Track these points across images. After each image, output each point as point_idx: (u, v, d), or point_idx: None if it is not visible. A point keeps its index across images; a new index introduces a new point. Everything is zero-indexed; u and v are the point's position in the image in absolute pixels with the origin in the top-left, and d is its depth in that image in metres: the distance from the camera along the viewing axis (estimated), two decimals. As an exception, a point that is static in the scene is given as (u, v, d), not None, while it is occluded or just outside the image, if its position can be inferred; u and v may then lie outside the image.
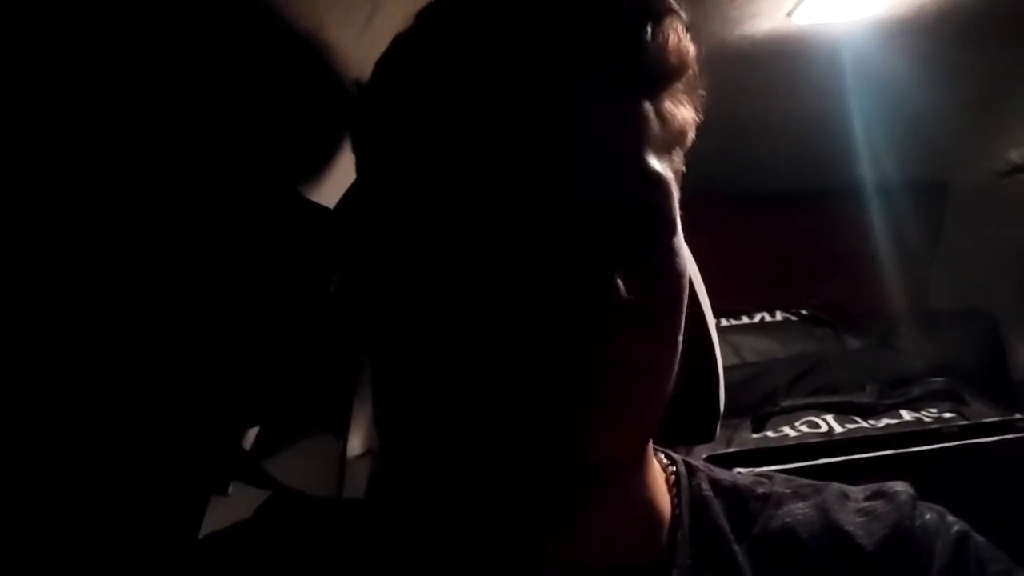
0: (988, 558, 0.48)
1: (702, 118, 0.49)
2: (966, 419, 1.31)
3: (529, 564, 0.46)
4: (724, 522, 0.49)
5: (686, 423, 0.61)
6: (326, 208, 0.67)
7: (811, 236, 1.77)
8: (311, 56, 0.65)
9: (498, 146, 0.42)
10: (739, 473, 0.55)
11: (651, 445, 0.51)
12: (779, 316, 1.67)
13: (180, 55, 0.57)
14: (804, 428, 1.33)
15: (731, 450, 1.27)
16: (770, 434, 1.33)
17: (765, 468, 1.14)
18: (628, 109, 0.44)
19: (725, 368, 0.66)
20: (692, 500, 0.51)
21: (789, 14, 1.19)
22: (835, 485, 0.53)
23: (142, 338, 0.59)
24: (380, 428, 0.56)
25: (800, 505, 0.51)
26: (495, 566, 0.46)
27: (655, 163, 0.44)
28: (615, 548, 0.47)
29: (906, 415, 1.34)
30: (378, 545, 0.49)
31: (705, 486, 0.52)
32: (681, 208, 0.47)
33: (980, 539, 0.49)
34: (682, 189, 0.48)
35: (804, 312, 1.68)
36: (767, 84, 1.38)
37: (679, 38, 0.45)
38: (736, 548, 0.48)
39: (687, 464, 0.53)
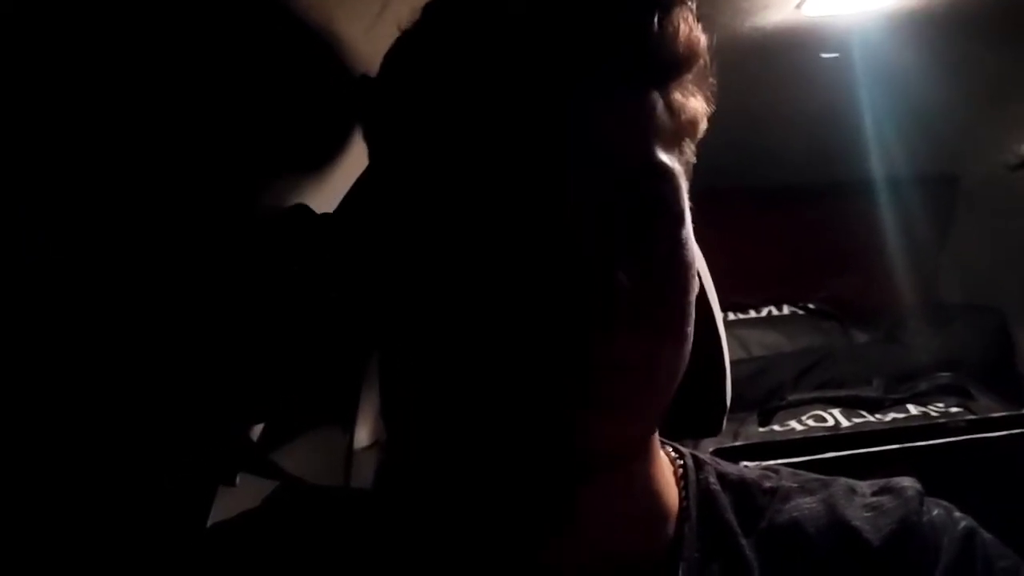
0: (995, 554, 0.48)
1: (714, 108, 0.48)
2: (973, 414, 1.31)
3: (534, 556, 0.46)
4: (731, 516, 0.49)
5: (693, 416, 0.61)
6: (326, 213, 0.67)
7: (819, 230, 1.77)
8: (321, 49, 0.65)
9: (499, 146, 0.42)
10: (746, 467, 0.55)
11: (658, 438, 0.51)
12: (786, 310, 1.67)
13: (186, 49, 0.57)
14: (810, 422, 1.33)
15: (737, 443, 1.27)
16: (776, 428, 1.33)
17: (771, 462, 1.15)
18: (635, 102, 0.44)
19: (732, 362, 0.66)
20: (700, 493, 0.51)
21: (798, 6, 1.18)
22: (842, 480, 0.53)
23: (144, 335, 0.59)
24: (387, 421, 0.56)
25: (807, 500, 0.50)
26: (500, 558, 0.46)
27: (662, 155, 0.44)
28: (622, 540, 0.47)
29: (913, 410, 1.34)
30: (384, 536, 0.49)
31: (712, 480, 0.52)
32: (690, 200, 0.47)
33: (987, 535, 0.49)
34: (691, 181, 0.48)
35: (811, 306, 1.68)
36: (776, 77, 1.37)
37: (689, 28, 0.45)
38: (743, 542, 0.48)
39: (695, 458, 0.53)
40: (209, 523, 0.65)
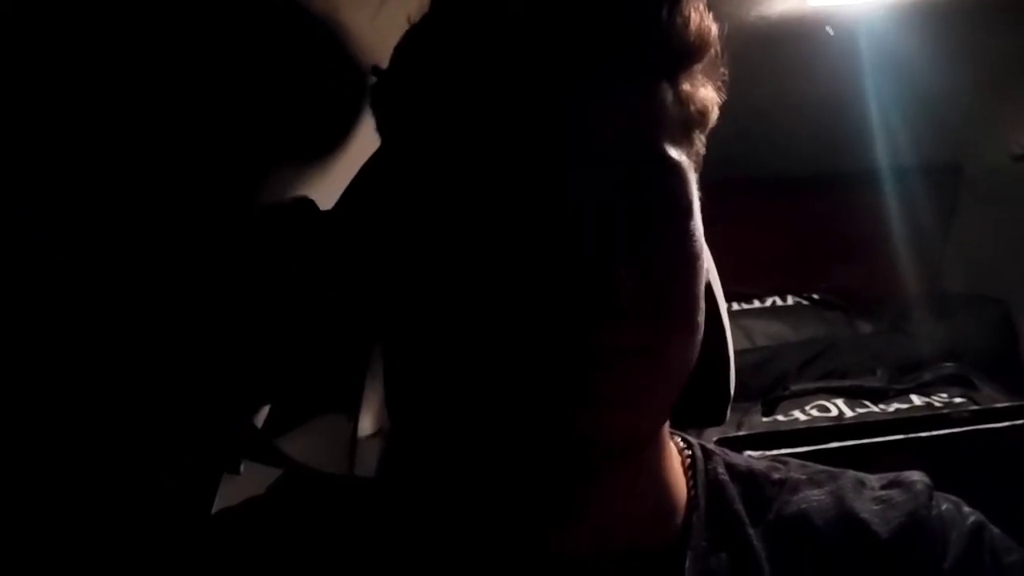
0: (1003, 549, 0.48)
1: (724, 98, 0.48)
2: (977, 404, 1.31)
3: (542, 545, 0.46)
4: (740, 506, 0.49)
5: (697, 406, 0.61)
6: (327, 211, 0.67)
7: (823, 220, 1.77)
8: (325, 38, 0.65)
9: (501, 145, 0.42)
10: (755, 458, 0.55)
11: (667, 429, 0.51)
12: (790, 300, 1.67)
13: (188, 40, 0.57)
14: (814, 412, 1.33)
15: (741, 433, 1.27)
16: (780, 418, 1.33)
17: (775, 452, 1.15)
18: (643, 94, 0.44)
19: (736, 352, 0.66)
20: (708, 484, 0.51)
21: (805, -6, 1.18)
22: (851, 473, 0.53)
23: (145, 332, 0.59)
24: (391, 413, 0.57)
25: (816, 492, 0.51)
26: (508, 547, 0.47)
27: (670, 148, 0.44)
28: (630, 529, 0.47)
29: (917, 400, 1.34)
30: (389, 524, 0.50)
31: (721, 470, 0.52)
32: (699, 191, 0.47)
33: (995, 530, 0.49)
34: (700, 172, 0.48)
35: (815, 296, 1.68)
36: (782, 66, 1.37)
37: (700, 17, 0.44)
38: (751, 532, 0.48)
39: (703, 448, 0.54)
40: (214, 511, 0.65)
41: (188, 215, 0.61)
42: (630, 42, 0.43)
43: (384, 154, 0.51)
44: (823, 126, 1.53)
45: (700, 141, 0.48)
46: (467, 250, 0.42)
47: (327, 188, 0.70)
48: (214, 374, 0.64)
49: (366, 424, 0.95)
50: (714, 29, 0.45)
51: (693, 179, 0.46)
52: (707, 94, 0.47)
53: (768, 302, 1.67)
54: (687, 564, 0.46)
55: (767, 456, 0.57)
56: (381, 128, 0.51)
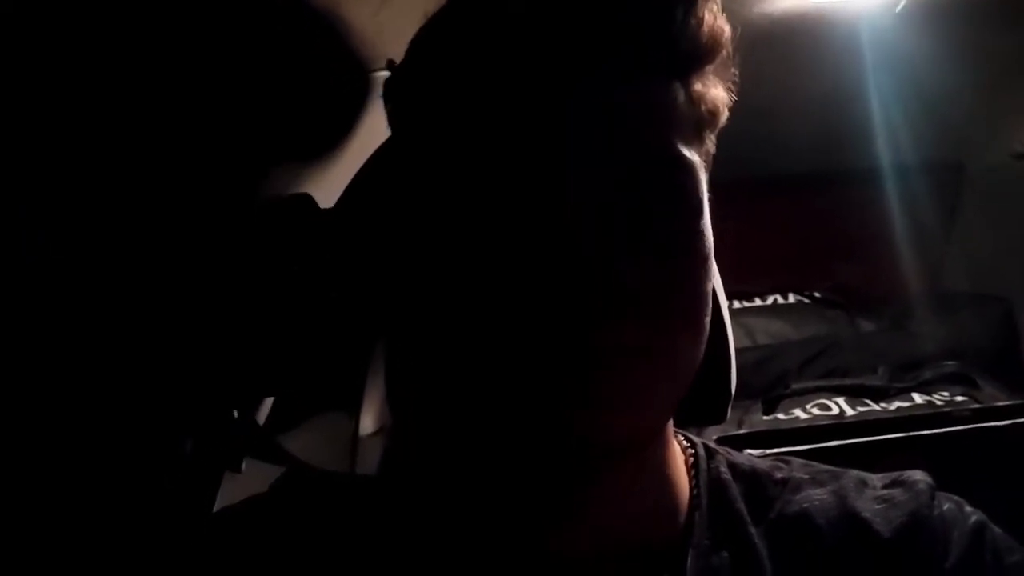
0: (1005, 548, 0.48)
1: (735, 99, 0.48)
2: (978, 403, 1.31)
3: (543, 544, 0.46)
4: (742, 505, 0.49)
5: (698, 404, 0.61)
6: (327, 208, 0.67)
7: (825, 218, 1.76)
8: (327, 32, 0.65)
9: (502, 144, 0.42)
10: (757, 457, 0.55)
11: (671, 427, 0.51)
12: (792, 299, 1.67)
13: (189, 35, 0.57)
14: (815, 410, 1.33)
15: (742, 432, 1.27)
16: (781, 416, 1.33)
17: (776, 450, 1.15)
18: (647, 91, 0.44)
19: (737, 350, 0.65)
20: (710, 482, 0.51)
21: (807, -8, 1.18)
22: (853, 472, 0.53)
23: (145, 332, 0.59)
24: (393, 410, 0.57)
25: (818, 491, 0.50)
26: (508, 546, 0.47)
27: (682, 146, 0.44)
28: (632, 528, 0.47)
29: (918, 398, 1.34)
30: (390, 524, 0.50)
31: (724, 469, 0.52)
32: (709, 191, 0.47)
33: (997, 530, 0.49)
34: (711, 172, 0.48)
35: (817, 295, 1.68)
36: (784, 63, 1.36)
37: (714, 17, 0.44)
38: (753, 531, 0.48)
39: (706, 447, 0.54)
40: (216, 509, 0.65)
41: (188, 214, 0.61)
42: (630, 42, 0.43)
43: (392, 147, 0.51)
44: (825, 124, 1.53)
45: (711, 141, 0.48)
46: (468, 249, 0.42)
47: (327, 185, 0.70)
48: (215, 373, 0.64)
49: (367, 423, 0.95)
50: (727, 30, 0.45)
51: (703, 179, 0.46)
52: (718, 94, 0.47)
53: (769, 300, 1.67)
54: (689, 562, 0.46)
55: (768, 455, 0.57)
56: (392, 121, 0.51)
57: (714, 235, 0.47)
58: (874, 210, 1.63)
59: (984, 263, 1.71)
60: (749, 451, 0.59)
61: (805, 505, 0.50)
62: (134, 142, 0.57)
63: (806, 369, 1.48)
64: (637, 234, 0.42)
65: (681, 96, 0.44)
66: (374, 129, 0.51)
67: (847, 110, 1.45)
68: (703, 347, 0.45)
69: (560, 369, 0.40)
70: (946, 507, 0.49)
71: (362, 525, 0.50)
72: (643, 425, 0.44)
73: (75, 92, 0.52)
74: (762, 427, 1.30)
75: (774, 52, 1.30)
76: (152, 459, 0.62)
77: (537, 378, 0.40)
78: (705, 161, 0.47)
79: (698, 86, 0.45)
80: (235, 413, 0.68)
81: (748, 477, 0.52)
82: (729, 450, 0.54)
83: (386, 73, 0.60)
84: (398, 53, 0.49)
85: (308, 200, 0.65)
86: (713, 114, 0.47)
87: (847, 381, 1.41)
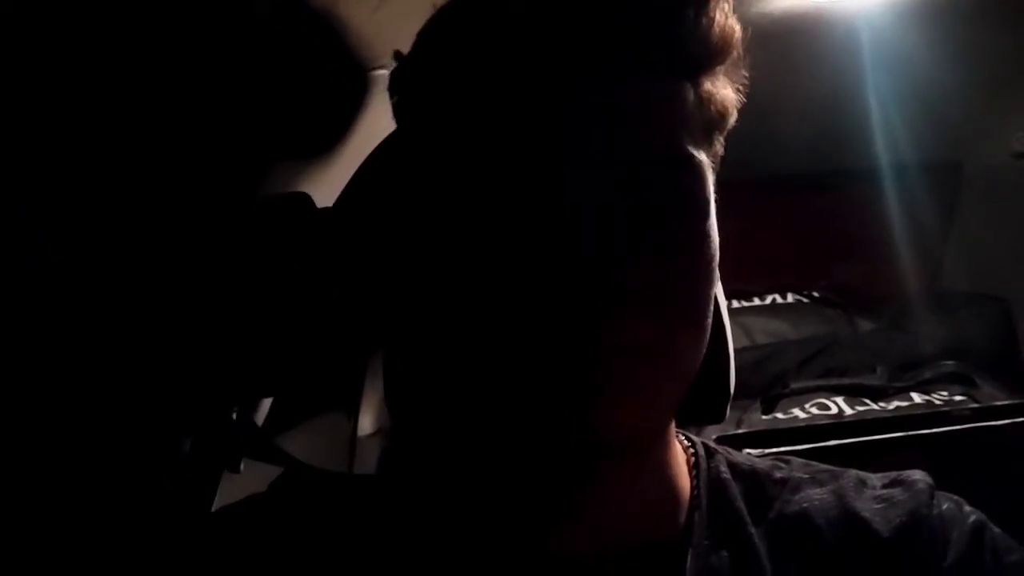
0: (1004, 548, 0.48)
1: (744, 100, 0.48)
2: (977, 402, 1.31)
3: (543, 543, 0.46)
4: (741, 505, 0.49)
5: (696, 404, 0.61)
6: (326, 208, 0.67)
7: (823, 217, 1.76)
8: (325, 31, 0.65)
9: (504, 144, 0.42)
10: (757, 457, 0.55)
11: (672, 427, 0.51)
12: (791, 298, 1.67)
13: (188, 34, 0.57)
14: (814, 410, 1.33)
15: (741, 431, 1.27)
16: (780, 416, 1.33)
17: (775, 449, 1.15)
18: (657, 92, 0.43)
19: (736, 350, 0.65)
20: (710, 482, 0.51)
21: (807, -9, 1.18)
22: (853, 472, 0.53)
23: (144, 331, 0.59)
24: (392, 410, 0.57)
25: (817, 491, 0.51)
26: (509, 545, 0.47)
27: (691, 146, 0.44)
28: (632, 527, 0.47)
29: (917, 398, 1.34)
30: (389, 523, 0.50)
31: (723, 469, 0.52)
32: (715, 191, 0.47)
33: (996, 530, 0.49)
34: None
35: (816, 294, 1.68)
36: (783, 62, 1.36)
37: (725, 17, 0.44)
38: (752, 531, 0.48)
39: (706, 447, 0.54)
40: (215, 508, 0.65)
41: (187, 214, 0.61)
42: (630, 41, 0.42)
43: (393, 144, 0.51)
44: (824, 123, 1.53)
45: (719, 142, 0.48)
46: (469, 249, 0.42)
47: (326, 184, 0.70)
48: (215, 373, 0.64)
49: (366, 423, 0.95)
50: (738, 30, 0.45)
51: (711, 180, 0.46)
52: (728, 95, 0.47)
53: (768, 300, 1.67)
54: (688, 562, 0.46)
55: (767, 454, 0.57)
56: (396, 113, 0.50)
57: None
58: (873, 210, 1.63)
59: (983, 263, 1.71)
60: (748, 451, 0.59)
61: (805, 505, 0.50)
62: (133, 142, 0.56)
63: (805, 368, 1.48)
64: (637, 234, 0.42)
65: (691, 96, 0.44)
66: (372, 128, 0.51)
67: (846, 110, 1.45)
68: (704, 347, 0.45)
69: (560, 369, 0.40)
70: (945, 507, 0.49)
71: (361, 525, 0.50)
72: (644, 425, 0.44)
73: (75, 92, 0.52)
74: (761, 426, 1.29)
75: (773, 51, 1.29)
76: (152, 459, 0.62)
77: (537, 378, 0.40)
78: (713, 163, 0.47)
79: (708, 86, 0.45)
80: (234, 413, 0.68)
81: (748, 477, 0.52)
82: (729, 450, 0.54)
83: (384, 72, 0.60)
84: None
85: (305, 198, 0.65)
86: (722, 115, 0.47)
87: (846, 380, 1.41)
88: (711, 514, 0.49)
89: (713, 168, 0.47)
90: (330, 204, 0.68)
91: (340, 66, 0.68)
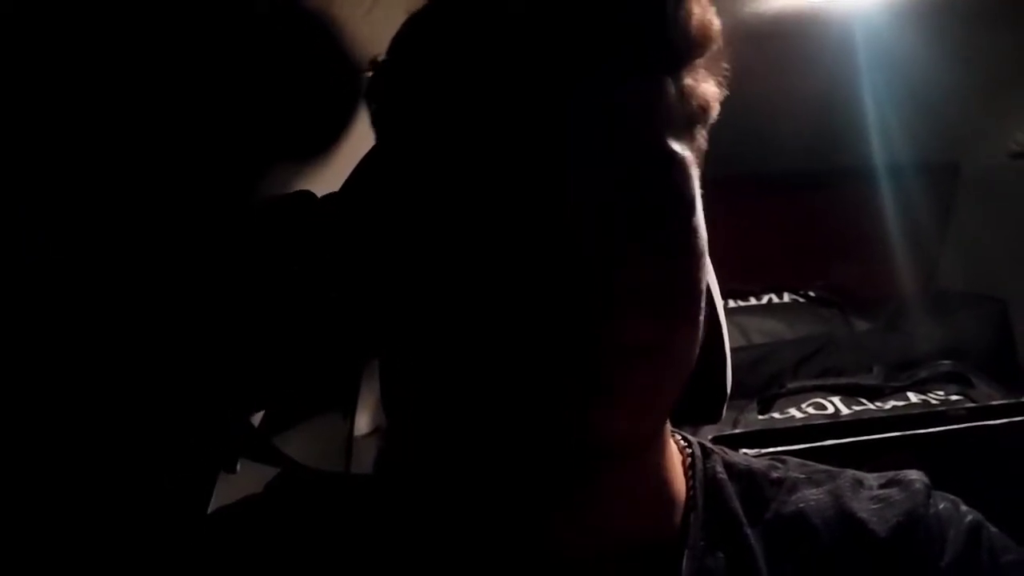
0: (1001, 548, 0.48)
1: (726, 93, 0.48)
2: (973, 402, 1.31)
3: (540, 543, 0.46)
4: (737, 505, 0.49)
5: (693, 404, 0.61)
6: (318, 198, 0.67)
7: (820, 217, 1.76)
8: (319, 31, 0.65)
9: (501, 145, 0.42)
10: (753, 457, 0.55)
11: (669, 427, 0.51)
12: (787, 298, 1.67)
13: (184, 35, 0.56)
14: (810, 410, 1.33)
15: (737, 431, 1.27)
16: (776, 415, 1.33)
17: (772, 449, 1.15)
18: (646, 90, 0.44)
19: (732, 349, 0.66)
20: (706, 482, 0.51)
21: (802, -9, 1.18)
22: (849, 472, 0.53)
23: (144, 332, 0.59)
24: (388, 411, 0.56)
25: (814, 491, 0.51)
26: (505, 545, 0.47)
27: (674, 143, 0.44)
28: (629, 528, 0.47)
29: (913, 397, 1.34)
30: (387, 524, 0.49)
31: (720, 469, 0.52)
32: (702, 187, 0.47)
33: (993, 529, 0.49)
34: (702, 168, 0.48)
35: (812, 294, 1.68)
36: (778, 62, 1.36)
37: (703, 11, 0.44)
38: (748, 531, 0.48)
39: (702, 447, 0.54)
40: (211, 509, 0.65)
41: (186, 213, 0.61)
42: (631, 41, 0.42)
43: (380, 150, 0.51)
44: (820, 123, 1.53)
45: (702, 136, 0.48)
46: (469, 250, 0.42)
47: (322, 185, 0.70)
48: (214, 373, 0.64)
49: (363, 423, 0.95)
50: (716, 23, 0.45)
51: (695, 175, 0.46)
52: (709, 89, 0.47)
53: (764, 299, 1.67)
54: (684, 563, 0.46)
55: (764, 454, 0.57)
56: (376, 122, 0.50)
57: (709, 234, 0.47)
58: (869, 210, 1.63)
59: (979, 263, 1.71)
60: (745, 450, 0.59)
61: (801, 505, 0.50)
62: (132, 142, 0.56)
63: (801, 368, 1.48)
64: (637, 233, 0.42)
65: (672, 91, 0.44)
66: (368, 131, 0.51)
67: (842, 110, 1.45)
68: (699, 344, 0.46)
69: (561, 369, 0.40)
70: (942, 506, 0.49)
71: (358, 526, 0.50)
72: (643, 424, 0.44)
73: (75, 92, 0.52)
74: (758, 426, 1.29)
75: (769, 51, 1.30)
76: (152, 459, 0.62)
77: (538, 378, 0.40)
78: (697, 158, 0.47)
79: (688, 81, 0.45)
80: (232, 413, 0.68)
81: (744, 477, 0.52)
82: (725, 449, 0.54)
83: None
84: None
85: (308, 197, 0.65)
86: (704, 109, 0.47)
87: (842, 380, 1.41)
88: (707, 514, 0.49)
89: (698, 163, 0.47)
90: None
91: (336, 66, 0.68)
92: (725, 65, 0.47)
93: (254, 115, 0.64)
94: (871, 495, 0.50)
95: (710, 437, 1.10)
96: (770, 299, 1.67)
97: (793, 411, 1.33)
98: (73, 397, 0.56)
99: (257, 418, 0.73)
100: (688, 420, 0.65)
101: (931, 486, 0.51)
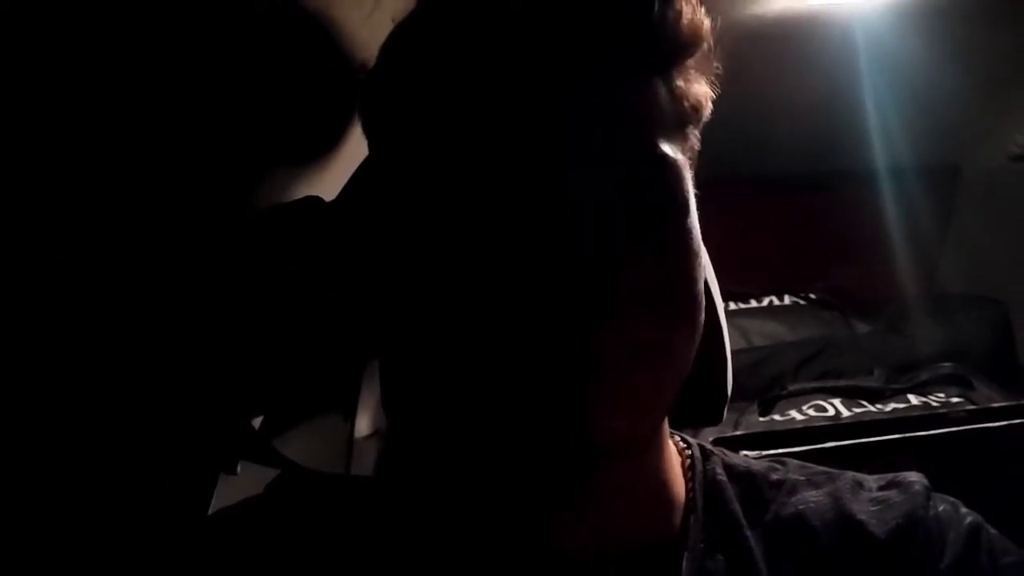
0: (1000, 550, 0.48)
1: (718, 93, 0.48)
2: (974, 404, 1.31)
3: (540, 544, 0.46)
4: (737, 507, 0.49)
5: (694, 406, 0.61)
6: (327, 203, 0.67)
7: (821, 219, 1.76)
8: (319, 35, 0.65)
9: (499, 147, 0.42)
10: (753, 458, 0.55)
11: (667, 428, 0.51)
12: (787, 300, 1.67)
13: (184, 39, 0.57)
14: (811, 412, 1.33)
15: (738, 433, 1.27)
16: (777, 417, 1.33)
17: (772, 451, 1.15)
18: (637, 92, 0.44)
19: (733, 352, 0.65)
20: (706, 484, 0.51)
21: (802, -7, 1.18)
22: (849, 474, 0.53)
23: (144, 332, 0.59)
24: (388, 412, 0.56)
25: (813, 493, 0.51)
26: (505, 546, 0.47)
27: (666, 145, 0.44)
28: (628, 529, 0.47)
29: (913, 399, 1.34)
30: (387, 525, 0.49)
31: (719, 471, 0.52)
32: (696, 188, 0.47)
33: (993, 531, 0.49)
34: (695, 169, 0.48)
35: (812, 296, 1.68)
36: (778, 64, 1.36)
37: (692, 10, 0.44)
38: (748, 533, 0.48)
39: (702, 448, 0.54)
40: (211, 511, 0.65)
41: (186, 215, 0.61)
42: (629, 41, 0.43)
43: (376, 156, 0.51)
44: (821, 126, 1.53)
45: (695, 136, 0.48)
46: (469, 250, 0.42)
47: (322, 188, 0.70)
48: (214, 374, 0.64)
49: (363, 424, 0.95)
50: (706, 23, 0.45)
51: (689, 175, 0.46)
52: (700, 89, 0.47)
53: (765, 302, 1.67)
54: (684, 565, 0.46)
55: (764, 456, 0.57)
56: (369, 129, 0.50)
57: (710, 236, 0.47)
58: (870, 212, 1.63)
59: (980, 265, 1.71)
60: (745, 452, 0.59)
61: (801, 507, 0.50)
62: (131, 141, 0.56)
63: (802, 371, 1.48)
64: (637, 234, 0.42)
65: (663, 92, 0.44)
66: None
67: (842, 112, 1.45)
68: (696, 345, 0.46)
69: (561, 369, 0.40)
70: (942, 508, 0.49)
71: (359, 527, 0.50)
72: (641, 424, 0.44)
73: (74, 92, 0.52)
74: (758, 428, 1.29)
75: (769, 53, 1.30)
76: (152, 460, 0.62)
77: (537, 378, 0.40)
78: (690, 158, 0.47)
79: (680, 81, 0.46)
80: (232, 414, 0.68)
81: (744, 479, 0.52)
82: (725, 451, 0.54)
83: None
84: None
85: (316, 203, 0.65)
86: (696, 109, 0.47)
87: (843, 382, 1.41)
88: (707, 516, 0.49)
89: (691, 163, 0.47)
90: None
91: (337, 69, 0.68)
92: (717, 64, 0.48)
93: (254, 117, 0.64)
94: (871, 497, 0.50)
95: (711, 439, 1.10)
96: (771, 301, 1.67)
97: (794, 413, 1.33)
98: (73, 397, 0.56)
99: (257, 419, 0.73)
100: (689, 422, 0.65)
101: (931, 488, 0.51)
